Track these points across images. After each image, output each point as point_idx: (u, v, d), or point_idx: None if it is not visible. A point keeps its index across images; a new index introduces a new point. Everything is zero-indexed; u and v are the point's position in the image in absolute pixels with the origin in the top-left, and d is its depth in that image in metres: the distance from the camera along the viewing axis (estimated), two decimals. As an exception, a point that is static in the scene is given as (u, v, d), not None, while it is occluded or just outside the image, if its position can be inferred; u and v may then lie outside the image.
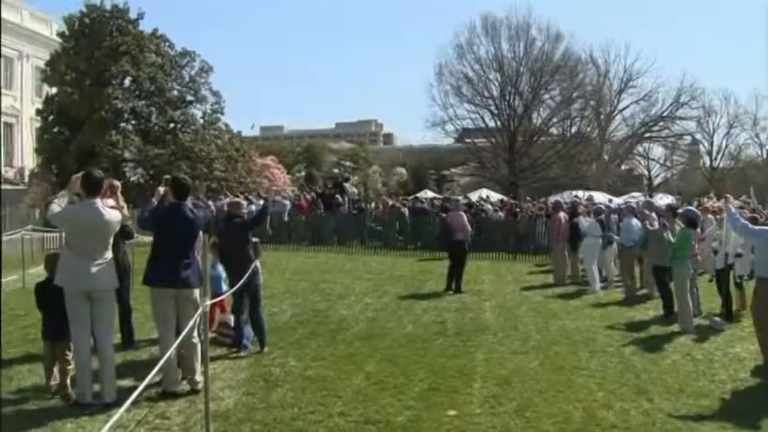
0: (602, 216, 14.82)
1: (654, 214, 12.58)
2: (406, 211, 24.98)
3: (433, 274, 15.64)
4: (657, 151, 59.13)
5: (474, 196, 31.40)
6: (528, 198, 29.09)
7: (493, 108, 49.88)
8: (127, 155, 34.71)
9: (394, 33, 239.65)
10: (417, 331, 9.59)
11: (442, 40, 75.44)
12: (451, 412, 6.05)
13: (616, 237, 14.36)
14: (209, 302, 5.10)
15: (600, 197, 28.97)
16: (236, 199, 9.60)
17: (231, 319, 8.30)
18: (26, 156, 45.30)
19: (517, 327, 10.00)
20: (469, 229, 14.10)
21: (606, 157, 54.51)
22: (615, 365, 7.79)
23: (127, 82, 35.70)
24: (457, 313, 11.06)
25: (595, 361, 7.97)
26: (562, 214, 15.80)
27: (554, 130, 52.02)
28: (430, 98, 50.45)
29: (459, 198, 17.36)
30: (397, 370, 7.40)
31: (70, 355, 6.25)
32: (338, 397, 6.38)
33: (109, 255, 6.09)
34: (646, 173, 60.64)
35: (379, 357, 8.00)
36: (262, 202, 23.64)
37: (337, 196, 27.25)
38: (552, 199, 26.81)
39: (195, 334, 6.26)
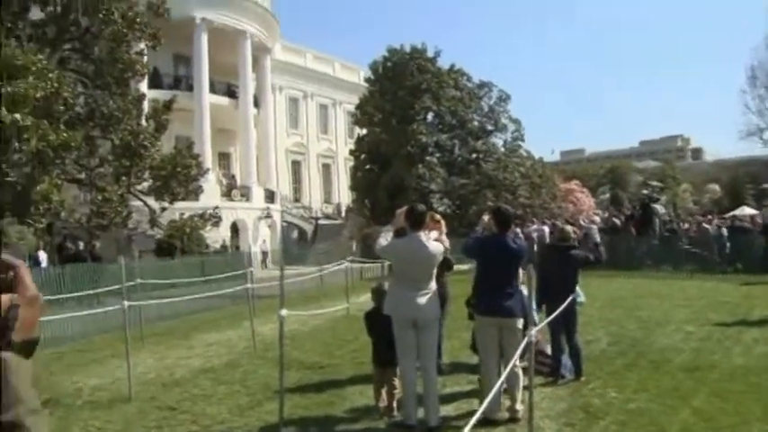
0: None
1: None
2: (724, 230, 23.13)
3: (760, 299, 14.13)
4: None
5: (803, 212, 27.94)
6: None
7: (822, 110, 44.29)
8: (433, 186, 36.42)
9: (695, 40, 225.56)
10: (749, 364, 8.60)
11: (754, 40, 68.95)
12: (797, 459, 5.33)
13: None
14: (534, 331, 5.07)
15: None
16: (567, 227, 9.45)
17: (548, 348, 8.21)
18: (342, 193, 50.05)
19: None
20: None
21: None
22: None
23: (429, 117, 37.72)
24: (797, 345, 9.81)
25: None
26: None
27: None
28: (743, 106, 46.13)
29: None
30: (729, 406, 6.68)
31: (397, 380, 6.58)
32: (665, 433, 5.95)
33: (433, 285, 6.31)
34: None
35: (707, 391, 7.29)
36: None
37: (653, 218, 26.09)
38: None
39: (518, 363, 6.27)
